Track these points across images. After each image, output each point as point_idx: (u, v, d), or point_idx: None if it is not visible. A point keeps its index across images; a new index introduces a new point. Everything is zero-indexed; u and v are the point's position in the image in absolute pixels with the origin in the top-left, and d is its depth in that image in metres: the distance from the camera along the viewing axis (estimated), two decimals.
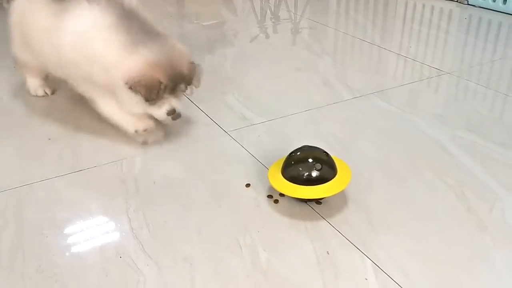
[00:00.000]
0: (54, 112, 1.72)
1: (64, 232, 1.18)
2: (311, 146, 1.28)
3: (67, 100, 1.79)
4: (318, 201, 1.26)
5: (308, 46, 2.42)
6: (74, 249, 1.13)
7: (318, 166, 1.21)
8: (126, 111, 1.45)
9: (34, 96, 1.81)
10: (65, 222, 1.21)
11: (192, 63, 1.46)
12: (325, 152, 1.26)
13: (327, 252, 1.12)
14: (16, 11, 1.65)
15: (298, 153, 1.26)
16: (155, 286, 1.03)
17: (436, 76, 2.01)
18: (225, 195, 1.30)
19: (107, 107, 1.49)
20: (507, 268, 1.08)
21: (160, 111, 1.43)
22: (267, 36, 2.57)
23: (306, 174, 1.21)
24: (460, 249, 1.13)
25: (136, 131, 1.47)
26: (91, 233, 1.19)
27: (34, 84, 1.81)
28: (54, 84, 1.84)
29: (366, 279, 1.05)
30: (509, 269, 1.07)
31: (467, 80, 1.97)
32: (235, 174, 1.38)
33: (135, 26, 1.40)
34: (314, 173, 1.21)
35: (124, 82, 1.36)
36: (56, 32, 1.44)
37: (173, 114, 1.44)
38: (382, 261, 1.09)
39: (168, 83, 1.38)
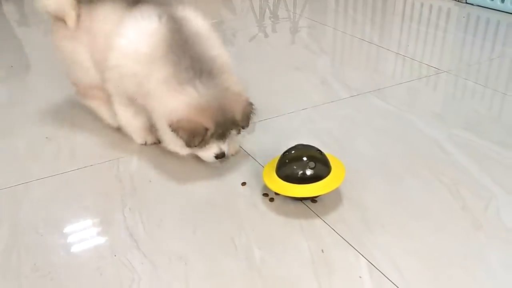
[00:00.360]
0: (51, 111, 1.73)
1: (60, 231, 1.18)
2: (304, 145, 1.28)
3: (64, 99, 1.79)
4: (313, 199, 1.26)
5: (306, 45, 2.42)
6: (69, 248, 1.14)
7: (312, 164, 1.21)
8: (170, 146, 1.34)
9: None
10: (60, 221, 1.22)
11: (248, 105, 1.30)
12: (319, 150, 1.26)
13: (322, 250, 1.12)
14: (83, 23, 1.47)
15: (292, 152, 1.26)
16: (149, 284, 1.04)
17: (434, 74, 2.01)
18: (220, 194, 1.30)
19: (123, 114, 1.44)
20: (501, 266, 1.08)
21: (206, 154, 1.31)
22: (266, 35, 2.57)
23: (300, 172, 1.21)
24: (455, 247, 1.13)
25: (145, 143, 1.48)
26: (86, 232, 1.19)
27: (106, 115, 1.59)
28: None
29: (360, 277, 1.05)
30: (504, 267, 1.07)
31: (465, 78, 1.97)
32: (231, 172, 1.38)
33: (187, 59, 1.26)
34: (308, 172, 1.21)
35: (167, 124, 1.25)
36: (112, 35, 1.35)
37: (222, 157, 1.32)
38: (376, 259, 1.09)
39: (215, 130, 1.25)
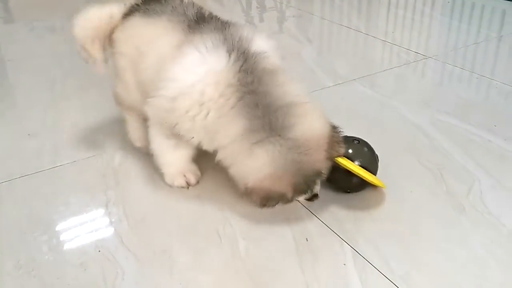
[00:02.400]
0: (34, 107, 1.71)
1: (43, 228, 1.17)
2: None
3: (47, 95, 1.78)
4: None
5: (293, 34, 2.41)
6: (52, 244, 1.13)
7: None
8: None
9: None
10: (43, 217, 1.21)
11: (331, 146, 1.12)
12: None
13: (306, 239, 1.12)
14: (127, 36, 1.31)
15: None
16: (133, 279, 1.04)
17: (419, 60, 2.01)
18: (205, 185, 1.30)
19: (159, 147, 1.26)
20: (483, 249, 1.08)
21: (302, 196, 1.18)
22: (253, 26, 2.55)
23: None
24: (438, 231, 1.13)
25: (171, 185, 1.30)
26: (70, 228, 1.18)
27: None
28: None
29: (344, 264, 1.06)
30: (486, 249, 1.08)
31: (450, 64, 1.97)
32: (214, 166, 1.37)
33: (259, 110, 1.08)
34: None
35: (242, 186, 1.13)
36: (167, 60, 1.16)
37: (314, 199, 1.19)
38: (361, 246, 1.10)
39: (295, 192, 1.11)
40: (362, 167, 1.18)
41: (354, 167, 1.16)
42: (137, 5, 1.32)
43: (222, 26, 1.20)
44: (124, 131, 1.45)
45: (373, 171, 1.22)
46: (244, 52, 1.12)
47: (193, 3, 1.30)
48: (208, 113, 1.11)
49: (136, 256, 1.09)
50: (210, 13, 1.28)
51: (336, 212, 1.19)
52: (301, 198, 1.18)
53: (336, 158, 1.14)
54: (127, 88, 1.33)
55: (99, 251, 1.10)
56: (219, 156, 1.15)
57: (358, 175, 1.16)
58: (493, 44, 2.17)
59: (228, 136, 1.11)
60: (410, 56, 2.05)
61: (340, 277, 1.03)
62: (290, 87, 1.14)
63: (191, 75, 1.12)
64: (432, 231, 1.14)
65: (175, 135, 1.18)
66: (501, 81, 1.82)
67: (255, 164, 1.09)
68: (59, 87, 1.85)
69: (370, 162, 1.22)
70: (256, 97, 1.09)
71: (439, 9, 2.66)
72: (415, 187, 1.27)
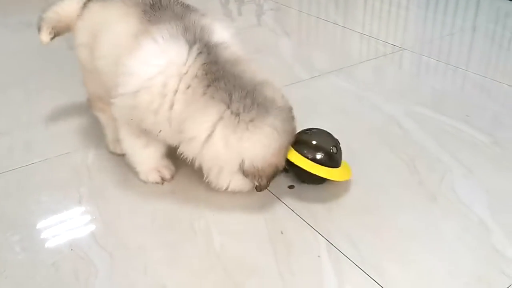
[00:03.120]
0: (5, 105, 1.68)
1: (14, 228, 1.15)
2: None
3: (17, 92, 1.74)
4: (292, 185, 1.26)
5: (271, 27, 2.40)
6: (24, 245, 1.11)
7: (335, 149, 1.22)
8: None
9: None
10: (15, 217, 1.19)
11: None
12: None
13: (281, 232, 1.13)
14: (86, 25, 1.28)
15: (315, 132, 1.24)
16: (107, 277, 1.03)
17: (395, 52, 2.03)
18: (179, 180, 1.29)
19: (131, 146, 1.24)
20: (455, 237, 1.10)
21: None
22: (232, 19, 2.54)
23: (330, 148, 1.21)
24: (411, 221, 1.15)
25: (145, 181, 1.28)
26: (42, 227, 1.17)
27: (112, 138, 1.37)
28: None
29: (319, 256, 1.06)
30: (457, 237, 1.10)
31: (425, 55, 1.99)
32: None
33: (238, 93, 1.09)
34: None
35: (239, 169, 1.12)
36: (128, 56, 1.12)
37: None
38: (335, 238, 1.10)
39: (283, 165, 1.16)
40: (318, 161, 1.17)
41: (305, 164, 1.17)
42: None
43: (181, 12, 1.17)
44: (98, 128, 1.43)
45: (333, 164, 1.21)
46: (206, 44, 1.12)
47: None
48: (172, 105, 1.09)
49: (110, 253, 1.08)
50: None
51: (311, 205, 1.20)
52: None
53: (296, 162, 1.16)
54: (92, 81, 1.32)
55: (72, 249, 1.09)
56: (188, 148, 1.13)
57: (319, 175, 1.18)
58: (468, 35, 2.20)
59: (203, 122, 1.09)
60: (386, 48, 2.06)
61: (314, 269, 1.03)
62: (256, 72, 1.15)
63: (150, 67, 1.09)
64: (404, 220, 1.15)
65: (144, 132, 1.17)
66: (475, 71, 1.84)
67: (263, 140, 1.09)
68: (33, 83, 1.81)
69: (326, 155, 1.20)
70: (227, 80, 1.09)
71: (415, 1, 2.68)
72: (389, 178, 1.28)
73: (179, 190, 1.26)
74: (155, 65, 1.10)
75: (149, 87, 1.09)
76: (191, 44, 1.10)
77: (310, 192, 1.24)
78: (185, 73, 1.09)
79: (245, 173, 1.12)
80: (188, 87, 1.09)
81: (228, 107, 1.08)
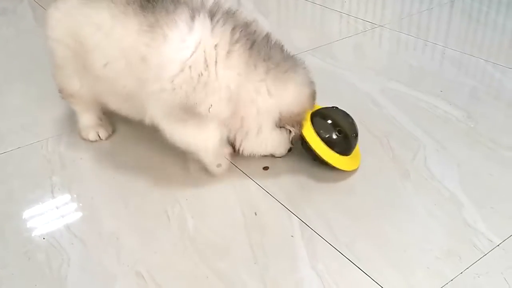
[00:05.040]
0: None
1: None
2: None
3: None
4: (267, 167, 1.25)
5: (250, 8, 2.36)
6: None
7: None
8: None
9: (85, 140, 1.37)
10: None
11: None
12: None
13: (255, 213, 1.13)
14: (63, 20, 1.23)
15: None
16: (79, 264, 1.02)
17: (372, 29, 2.01)
18: (153, 165, 1.28)
19: (195, 135, 1.18)
20: (426, 213, 1.11)
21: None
22: None
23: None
24: (384, 198, 1.15)
25: (218, 166, 1.24)
26: (14, 216, 1.15)
27: (87, 124, 1.38)
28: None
29: (292, 236, 1.07)
30: (429, 213, 1.11)
31: (402, 32, 1.98)
32: (162, 143, 1.35)
33: (270, 46, 1.19)
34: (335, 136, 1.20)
35: (281, 120, 1.19)
36: (157, 49, 1.11)
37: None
38: (309, 217, 1.11)
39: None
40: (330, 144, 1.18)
41: (317, 146, 1.18)
42: None
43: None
44: (70, 116, 1.42)
45: (346, 151, 1.21)
46: (225, 12, 1.16)
47: None
48: (216, 73, 1.11)
49: (82, 241, 1.07)
50: None
51: (285, 185, 1.20)
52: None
53: (311, 143, 1.19)
54: (67, 77, 1.29)
55: (44, 238, 1.08)
56: (235, 118, 1.18)
57: (319, 156, 1.18)
58: (446, 10, 2.19)
59: (254, 81, 1.15)
60: (364, 26, 2.04)
61: (287, 248, 1.04)
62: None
63: (184, 50, 1.09)
64: (377, 198, 1.16)
65: (191, 113, 1.14)
66: (452, 47, 1.84)
67: (293, 90, 1.18)
68: (2, 71, 1.77)
69: (347, 146, 1.21)
70: (262, 39, 1.18)
71: None
72: (363, 156, 1.27)
73: (152, 177, 1.24)
74: (187, 47, 1.10)
75: (194, 62, 1.10)
76: (211, 15, 1.13)
77: (284, 173, 1.23)
78: (218, 43, 1.11)
79: (282, 121, 1.19)
80: (229, 53, 1.12)
81: (268, 65, 1.16)
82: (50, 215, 1.14)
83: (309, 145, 1.19)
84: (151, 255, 1.03)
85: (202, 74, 1.10)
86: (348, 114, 1.24)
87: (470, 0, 2.25)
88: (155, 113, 1.17)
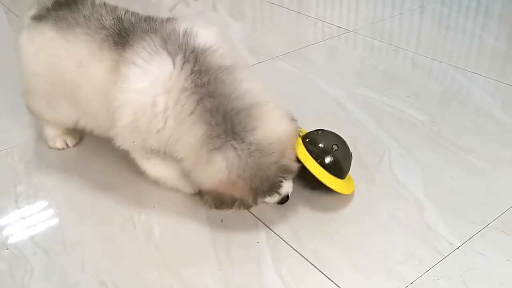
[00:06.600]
0: None
1: None
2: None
3: None
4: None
5: (225, 13, 2.37)
6: None
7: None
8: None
9: (52, 148, 1.36)
10: None
11: (289, 151, 1.09)
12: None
13: (221, 220, 1.13)
14: (40, 54, 1.20)
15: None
16: (43, 274, 1.01)
17: (340, 35, 2.03)
18: (121, 172, 1.27)
19: (154, 168, 1.18)
20: (390, 217, 1.13)
21: (271, 200, 1.13)
22: (187, 4, 2.50)
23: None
24: (349, 204, 1.17)
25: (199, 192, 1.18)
26: None
27: (53, 133, 1.36)
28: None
29: (257, 242, 1.07)
30: (392, 217, 1.13)
31: (371, 37, 2.01)
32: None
33: (219, 113, 1.03)
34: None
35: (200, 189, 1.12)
36: (116, 90, 1.06)
37: (286, 201, 1.15)
38: (274, 223, 1.12)
39: (256, 199, 1.09)
40: (328, 168, 1.13)
41: (316, 170, 1.12)
42: (47, 10, 1.20)
43: (150, 26, 1.10)
44: (36, 124, 1.40)
45: (343, 172, 1.18)
46: (192, 50, 1.05)
47: (105, 4, 1.18)
48: (166, 123, 1.05)
49: (46, 251, 1.06)
50: (127, 12, 1.16)
51: None
52: (272, 201, 1.13)
53: (309, 167, 1.11)
54: (41, 105, 1.28)
55: (7, 249, 1.07)
56: (182, 165, 1.10)
57: (319, 179, 1.13)
58: (416, 15, 2.22)
59: (188, 144, 1.05)
60: (334, 31, 2.07)
61: (252, 254, 1.05)
62: (250, 85, 1.08)
63: (138, 93, 1.05)
64: (343, 203, 1.17)
65: (156, 152, 1.12)
66: (420, 52, 1.87)
67: (212, 170, 1.04)
68: None
69: (343, 170, 1.17)
70: (216, 100, 1.03)
71: None
72: None
73: (120, 184, 1.24)
74: (141, 88, 1.04)
75: (142, 110, 1.05)
76: (173, 55, 1.04)
77: None
78: (172, 88, 1.03)
79: (201, 193, 1.12)
80: (177, 103, 1.03)
81: (205, 134, 1.03)
82: (13, 225, 1.13)
83: (311, 172, 1.12)
84: (115, 264, 1.03)
85: (153, 121, 1.05)
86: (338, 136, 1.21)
87: (439, 5, 2.30)
88: (126, 149, 1.16)
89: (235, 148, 1.02)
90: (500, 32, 2.05)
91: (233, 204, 1.09)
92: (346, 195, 1.17)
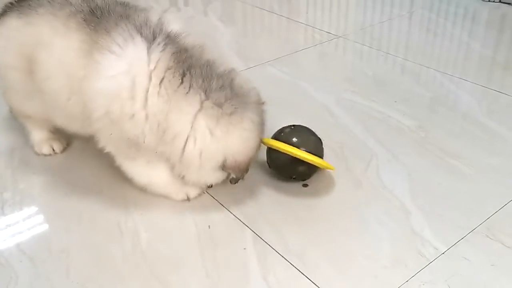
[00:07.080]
0: None
1: None
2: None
3: None
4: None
5: (214, 18, 2.38)
6: None
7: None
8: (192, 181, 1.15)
9: (39, 154, 1.35)
10: None
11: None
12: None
13: (209, 226, 1.13)
14: (9, 45, 1.19)
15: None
16: (28, 282, 1.00)
17: (329, 40, 2.05)
18: (108, 179, 1.27)
19: (146, 175, 1.17)
20: (376, 222, 1.13)
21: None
22: (178, 9, 2.51)
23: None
24: (335, 209, 1.17)
25: (188, 199, 1.19)
26: None
27: (39, 139, 1.35)
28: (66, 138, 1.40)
29: (244, 248, 1.07)
30: (378, 222, 1.13)
31: (358, 42, 2.02)
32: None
33: (215, 81, 1.06)
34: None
35: (220, 165, 1.09)
36: (89, 78, 1.05)
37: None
38: (261, 229, 1.12)
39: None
40: (309, 152, 1.16)
41: (301, 153, 1.14)
42: (11, 4, 1.20)
43: (125, 11, 1.11)
44: (23, 129, 1.39)
45: (320, 155, 1.20)
46: (168, 35, 1.07)
47: None
48: (146, 102, 1.03)
49: (31, 258, 1.05)
50: None
51: (239, 198, 1.20)
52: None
53: (282, 147, 1.15)
54: (21, 99, 1.27)
55: None
56: (171, 149, 1.07)
57: (307, 160, 1.15)
58: (396, 22, 2.24)
59: (186, 113, 1.04)
60: (326, 37, 2.08)
61: (239, 261, 1.04)
62: (222, 59, 1.13)
63: (114, 80, 1.03)
64: (330, 209, 1.17)
65: (134, 148, 1.10)
66: (408, 58, 1.89)
67: (240, 138, 1.07)
68: None
69: (316, 146, 1.21)
70: (202, 66, 1.05)
71: None
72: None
73: (107, 191, 1.24)
74: (115, 74, 1.03)
75: (118, 95, 1.03)
76: (150, 40, 1.05)
77: (239, 185, 1.24)
78: (154, 69, 1.03)
79: (226, 168, 1.10)
80: (162, 80, 1.03)
81: (208, 97, 1.04)
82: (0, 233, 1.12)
83: (300, 157, 1.14)
84: (101, 271, 1.03)
85: (128, 103, 1.03)
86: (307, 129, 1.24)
87: (427, 12, 2.32)
88: (105, 148, 1.14)
89: (248, 110, 1.08)
90: (487, 39, 2.07)
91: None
92: (332, 170, 1.24)
